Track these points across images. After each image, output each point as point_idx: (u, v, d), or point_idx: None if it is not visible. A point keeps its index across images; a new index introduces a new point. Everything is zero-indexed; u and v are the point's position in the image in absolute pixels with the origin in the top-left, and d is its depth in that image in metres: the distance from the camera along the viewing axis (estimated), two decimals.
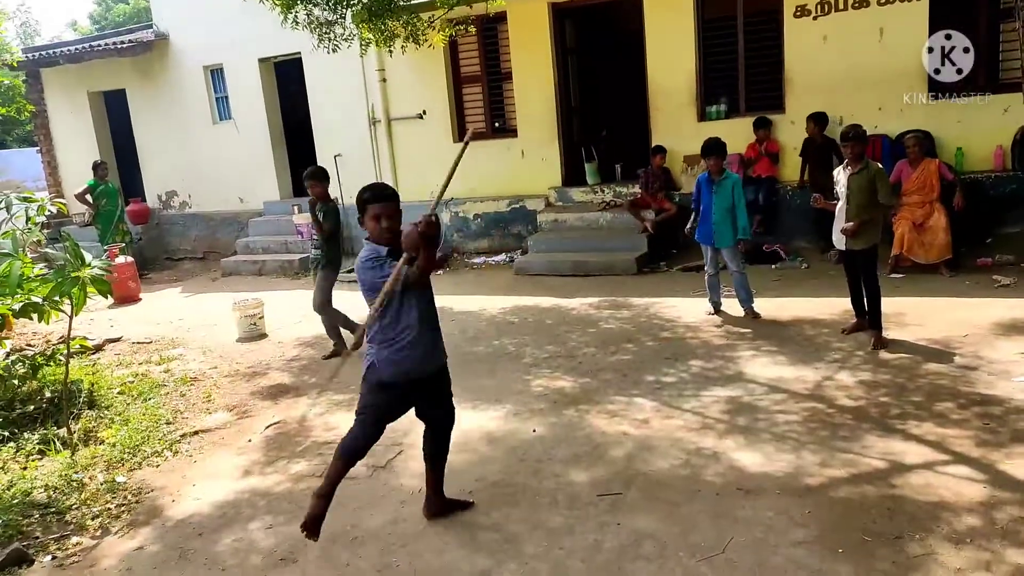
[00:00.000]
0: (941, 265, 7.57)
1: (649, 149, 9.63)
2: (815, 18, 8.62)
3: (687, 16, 9.26)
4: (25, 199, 5.16)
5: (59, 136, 14.13)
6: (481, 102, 10.83)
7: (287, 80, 12.19)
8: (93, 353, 7.22)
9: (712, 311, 6.91)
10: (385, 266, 3.29)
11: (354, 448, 3.52)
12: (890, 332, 5.84)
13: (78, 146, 13.75)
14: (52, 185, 14.21)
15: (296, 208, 11.66)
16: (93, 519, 4.10)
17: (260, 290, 9.47)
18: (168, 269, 12.55)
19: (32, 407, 5.38)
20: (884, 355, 5.50)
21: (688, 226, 6.90)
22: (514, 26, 10.16)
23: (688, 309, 7.14)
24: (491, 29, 10.52)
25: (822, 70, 8.72)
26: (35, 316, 4.77)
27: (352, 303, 6.00)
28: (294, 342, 7.32)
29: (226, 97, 12.52)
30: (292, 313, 8.22)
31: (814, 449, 4.17)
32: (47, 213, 5.33)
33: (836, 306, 6.59)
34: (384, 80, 11.02)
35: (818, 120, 8.52)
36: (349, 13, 8.29)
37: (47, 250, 10.93)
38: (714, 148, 6.52)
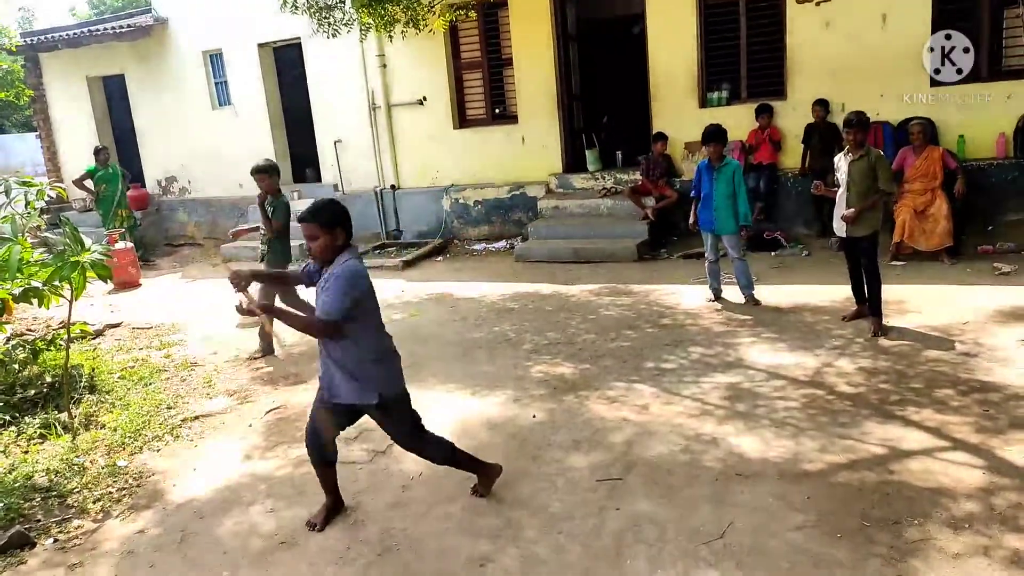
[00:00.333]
0: (942, 253, 7.56)
1: (650, 136, 9.60)
2: (818, 3, 8.54)
3: (689, 1, 9.20)
4: (24, 183, 5.14)
5: (58, 121, 14.09)
6: (481, 88, 10.78)
7: (287, 66, 12.12)
8: (93, 338, 7.23)
9: (712, 298, 6.91)
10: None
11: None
12: (890, 319, 5.85)
13: (77, 131, 13.71)
14: (51, 170, 14.18)
15: (296, 194, 11.68)
16: (94, 502, 4.11)
17: None
18: (168, 255, 12.53)
19: (33, 391, 5.39)
20: (884, 342, 5.51)
21: (691, 220, 6.87)
22: (515, 11, 10.10)
23: (688, 296, 7.14)
24: (492, 14, 10.45)
25: (824, 56, 8.67)
26: (35, 301, 4.76)
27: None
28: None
29: (225, 82, 12.46)
30: None
31: (813, 435, 4.18)
32: (46, 198, 5.30)
33: (836, 293, 6.59)
34: (384, 66, 10.97)
35: (823, 105, 8.50)
36: None
37: (46, 235, 10.93)
38: (715, 135, 6.49)
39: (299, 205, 9.10)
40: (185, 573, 3.48)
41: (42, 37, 13.33)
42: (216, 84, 12.59)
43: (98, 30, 12.58)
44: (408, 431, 3.66)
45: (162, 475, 4.43)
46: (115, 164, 11.64)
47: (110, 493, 4.21)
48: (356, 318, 3.35)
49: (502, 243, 10.39)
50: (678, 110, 9.54)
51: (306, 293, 4.77)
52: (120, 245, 9.92)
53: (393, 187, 11.38)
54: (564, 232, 9.63)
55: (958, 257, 7.54)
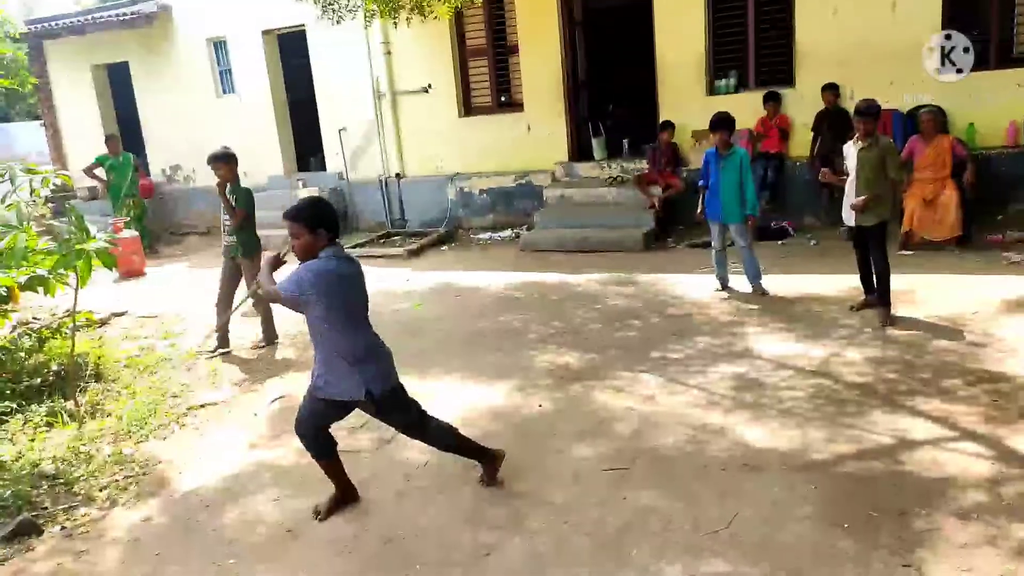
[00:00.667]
0: (952, 242, 7.51)
1: (657, 124, 9.54)
2: None
3: None
4: (29, 171, 5.13)
5: (63, 109, 14.05)
6: (487, 76, 10.71)
7: (291, 53, 12.05)
8: (99, 327, 7.24)
9: (719, 287, 6.88)
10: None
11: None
12: (899, 309, 5.81)
13: (82, 119, 13.68)
14: (56, 159, 14.17)
15: (301, 183, 11.65)
16: (101, 490, 4.13)
17: None
18: (173, 244, 12.53)
19: (39, 380, 5.40)
20: (892, 332, 5.47)
21: (699, 211, 6.82)
22: None
23: (695, 285, 7.11)
24: (498, 1, 10.37)
25: (833, 43, 8.58)
26: (40, 289, 4.77)
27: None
28: (298, 317, 7.28)
29: (230, 70, 12.40)
30: None
31: (820, 425, 4.16)
32: (51, 186, 5.30)
33: (844, 283, 6.54)
34: (389, 53, 10.90)
35: (834, 89, 8.44)
36: None
37: (52, 223, 10.93)
38: (722, 122, 6.44)
39: (303, 193, 9.08)
40: (191, 561, 3.49)
41: (45, 24, 13.28)
42: (220, 72, 12.53)
43: (102, 17, 12.53)
44: (408, 422, 3.67)
45: (168, 463, 4.44)
46: (126, 153, 11.64)
47: (116, 481, 4.22)
48: (325, 319, 3.41)
49: (507, 232, 10.36)
50: (686, 98, 9.45)
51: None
52: (126, 233, 9.92)
53: (398, 176, 11.34)
54: (570, 221, 9.58)
55: (967, 247, 7.48)
